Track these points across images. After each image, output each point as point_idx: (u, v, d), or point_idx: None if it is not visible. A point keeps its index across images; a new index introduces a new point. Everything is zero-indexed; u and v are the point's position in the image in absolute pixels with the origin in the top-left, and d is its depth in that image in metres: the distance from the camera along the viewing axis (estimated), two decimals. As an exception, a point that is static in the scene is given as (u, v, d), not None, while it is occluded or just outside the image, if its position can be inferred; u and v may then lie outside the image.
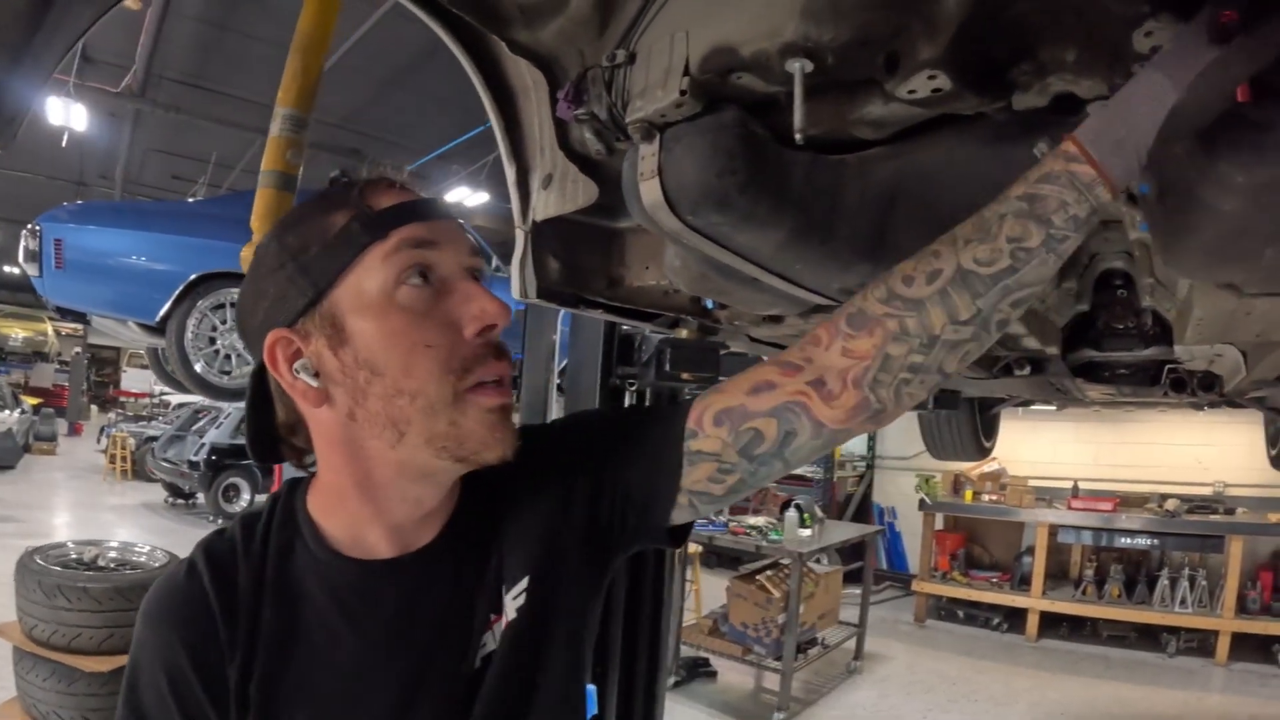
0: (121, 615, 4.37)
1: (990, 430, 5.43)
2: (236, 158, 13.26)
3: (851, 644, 7.85)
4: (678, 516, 1.06)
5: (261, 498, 6.91)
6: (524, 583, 1.03)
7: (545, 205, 1.72)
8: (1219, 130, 0.98)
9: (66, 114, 10.62)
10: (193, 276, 6.08)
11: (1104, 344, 2.81)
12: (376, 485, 0.97)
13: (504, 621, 1.01)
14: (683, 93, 1.13)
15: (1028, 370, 3.11)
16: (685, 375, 3.17)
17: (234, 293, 6.04)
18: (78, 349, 25.40)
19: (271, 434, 1.04)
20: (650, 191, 1.22)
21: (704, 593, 8.59)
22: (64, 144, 11.49)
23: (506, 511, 1.05)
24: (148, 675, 0.96)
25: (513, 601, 1.02)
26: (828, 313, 1.90)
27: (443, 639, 0.99)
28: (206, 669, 0.94)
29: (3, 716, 4.40)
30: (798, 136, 1.03)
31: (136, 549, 5.27)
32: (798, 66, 1.03)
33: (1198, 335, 2.12)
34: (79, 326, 11.63)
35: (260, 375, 1.01)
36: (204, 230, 6.33)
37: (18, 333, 24.61)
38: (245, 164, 13.42)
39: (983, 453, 5.28)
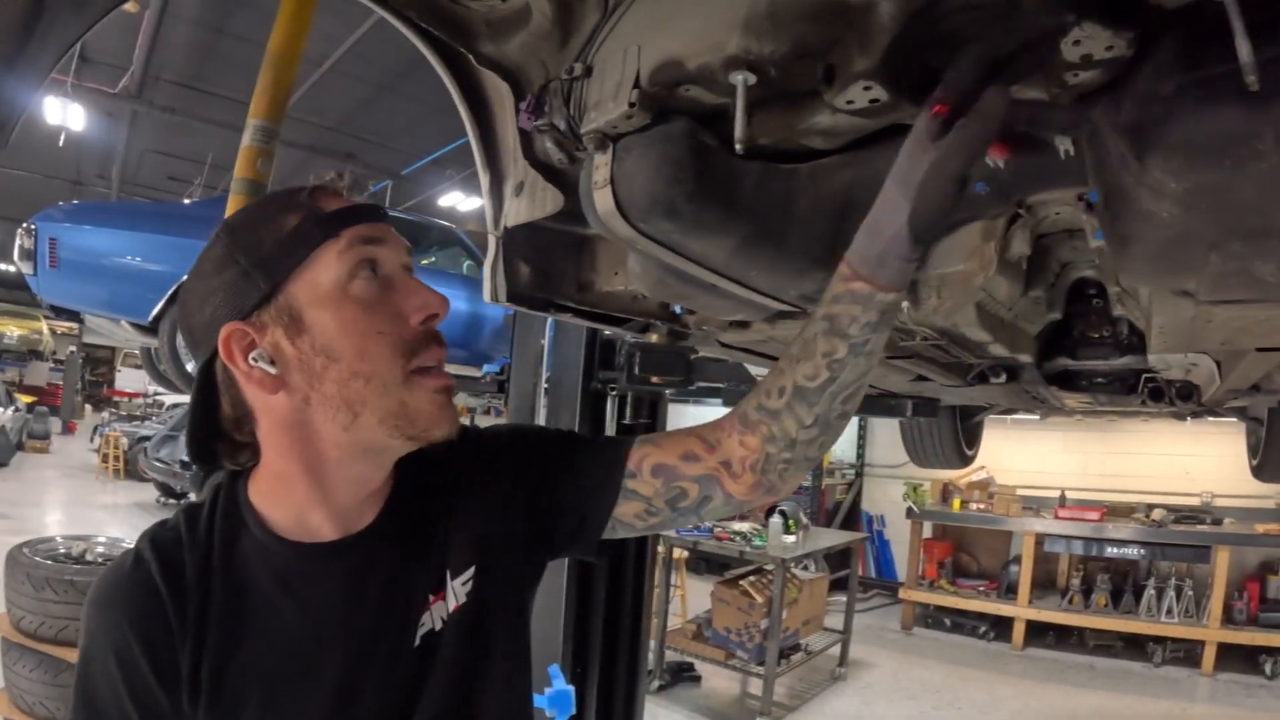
0: None
1: (972, 438, 5.47)
2: (232, 159, 13.20)
3: (836, 650, 7.89)
4: (604, 535, 1.21)
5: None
6: (470, 571, 1.12)
7: (516, 212, 1.77)
8: (1151, 136, 1.00)
9: (64, 114, 10.69)
10: (185, 277, 6.12)
11: (1079, 353, 2.84)
12: (324, 467, 1.04)
13: (445, 603, 1.10)
14: (631, 105, 1.17)
15: (1004, 378, 3.13)
16: (655, 379, 3.21)
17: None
18: (72, 348, 25.39)
19: (213, 431, 1.09)
20: (604, 200, 1.26)
21: (690, 598, 8.64)
22: (61, 143, 11.54)
23: (449, 500, 1.15)
24: (99, 663, 0.99)
25: (462, 587, 1.11)
26: (791, 319, 1.94)
27: (386, 617, 1.06)
28: (156, 654, 0.98)
29: (-9, 707, 4.46)
30: (738, 147, 1.08)
31: (123, 544, 5.33)
32: (740, 79, 1.08)
33: (1162, 343, 2.15)
34: (74, 325, 11.64)
35: (207, 371, 1.06)
36: (197, 232, 6.36)
37: (12, 330, 24.58)
38: (241, 165, 13.48)
39: (964, 460, 5.32)
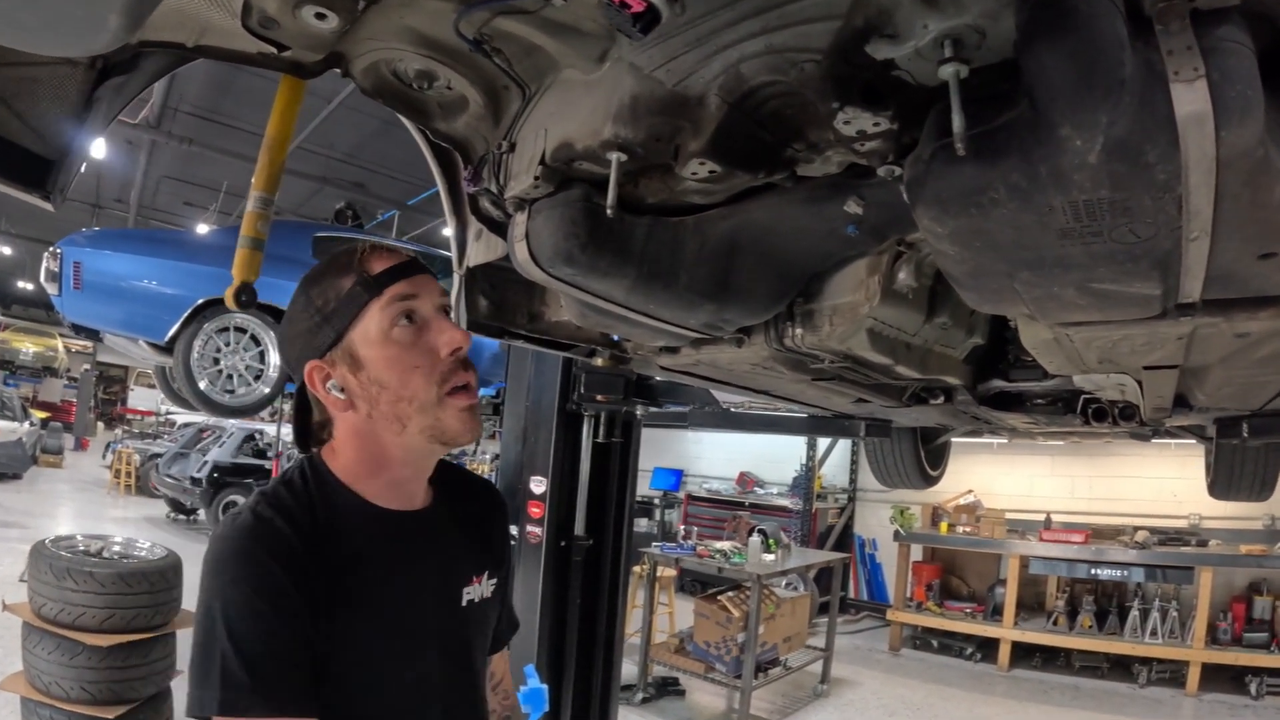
0: (121, 598, 4.86)
1: (936, 459, 5.70)
2: (246, 187, 13.64)
3: (818, 667, 8.10)
4: None
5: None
6: (493, 581, 1.53)
7: (476, 254, 2.12)
8: (914, 192, 1.26)
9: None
10: (200, 301, 6.42)
11: (1012, 375, 3.06)
12: (388, 458, 1.37)
13: (479, 587, 1.49)
14: (537, 178, 1.51)
15: (941, 400, 3.33)
16: (599, 398, 3.52)
17: (237, 317, 6.41)
18: (86, 366, 25.83)
19: (306, 429, 1.45)
20: (521, 251, 1.61)
21: (678, 617, 8.84)
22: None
23: (470, 522, 1.54)
24: (244, 606, 1.19)
25: (489, 582, 1.51)
26: (712, 344, 2.25)
27: (450, 568, 1.45)
28: (301, 582, 1.22)
29: (9, 687, 4.80)
30: (610, 211, 1.40)
31: (139, 544, 5.72)
32: (613, 157, 1.41)
33: (1050, 364, 2.38)
34: (89, 343, 11.98)
35: (301, 392, 1.42)
36: (211, 258, 6.69)
37: (28, 347, 25.02)
38: (255, 194, 13.86)
39: (928, 481, 5.55)
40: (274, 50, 1.44)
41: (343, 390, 1.34)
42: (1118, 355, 2.27)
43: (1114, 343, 2.03)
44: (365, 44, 1.47)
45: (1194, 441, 5.45)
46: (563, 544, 4.29)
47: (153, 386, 10.72)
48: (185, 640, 4.61)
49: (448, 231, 2.30)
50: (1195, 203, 1.10)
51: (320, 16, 1.32)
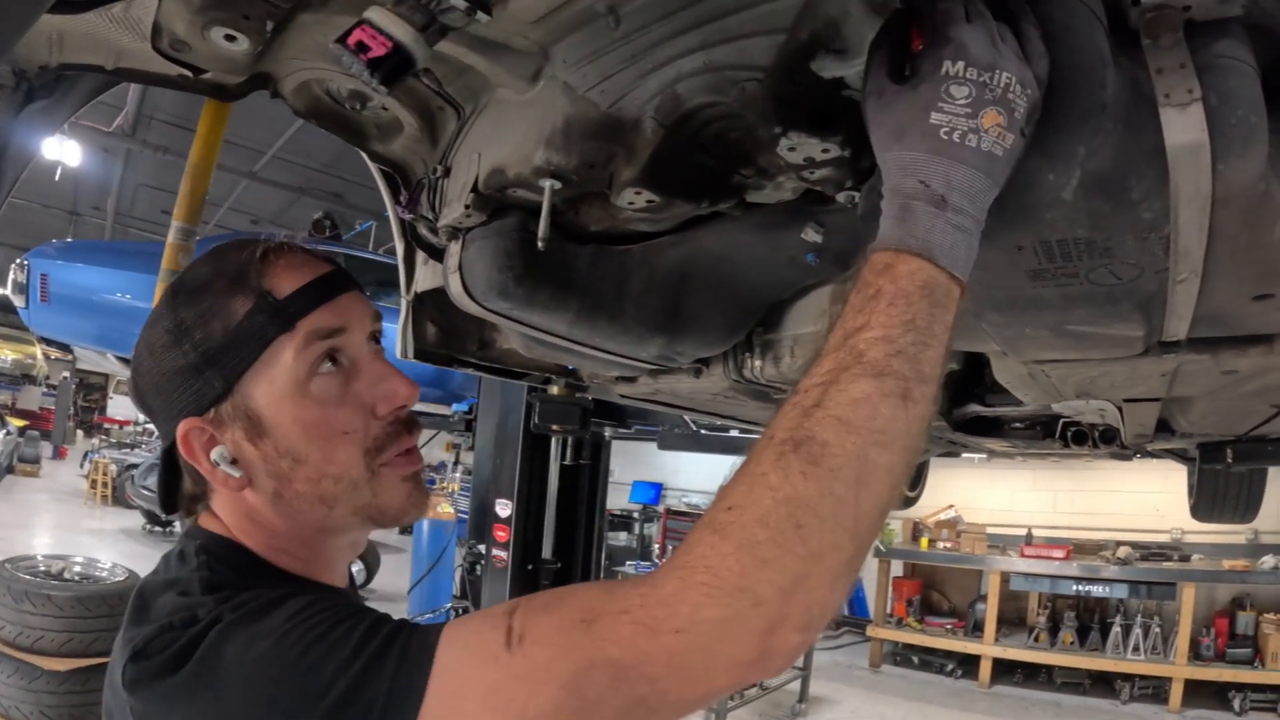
0: (81, 622, 4.77)
1: (914, 480, 5.63)
2: (223, 197, 13.52)
3: (797, 686, 7.99)
4: None
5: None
6: None
7: (425, 279, 1.99)
8: (872, 225, 1.16)
9: (60, 149, 10.92)
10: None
11: (989, 399, 2.99)
12: (307, 539, 1.01)
13: None
14: (468, 206, 1.39)
15: None
16: (555, 427, 3.41)
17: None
18: (65, 374, 25.58)
19: (177, 496, 1.06)
20: (454, 283, 1.49)
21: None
22: (57, 177, 11.78)
23: None
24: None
25: None
26: (669, 373, 2.14)
27: None
28: None
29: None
30: (541, 244, 1.28)
31: (99, 565, 5.66)
32: (546, 185, 1.29)
33: (1023, 396, 2.31)
34: (67, 353, 11.79)
35: (169, 453, 1.01)
36: (182, 271, 6.60)
37: (6, 355, 24.86)
38: (231, 203, 13.74)
39: (906, 502, 5.48)
40: (190, 74, 1.32)
41: (235, 462, 0.96)
42: (1097, 389, 2.20)
43: (1093, 379, 1.94)
44: (291, 64, 1.36)
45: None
46: (529, 567, 4.17)
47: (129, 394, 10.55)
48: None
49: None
50: (1185, 243, 0.97)
51: (230, 39, 1.19)
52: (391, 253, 11.36)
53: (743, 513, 0.74)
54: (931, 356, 0.79)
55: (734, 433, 4.63)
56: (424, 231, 1.69)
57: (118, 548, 12.28)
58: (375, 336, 1.03)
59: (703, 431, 4.59)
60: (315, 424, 0.95)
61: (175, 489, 1.05)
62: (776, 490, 0.74)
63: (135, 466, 15.59)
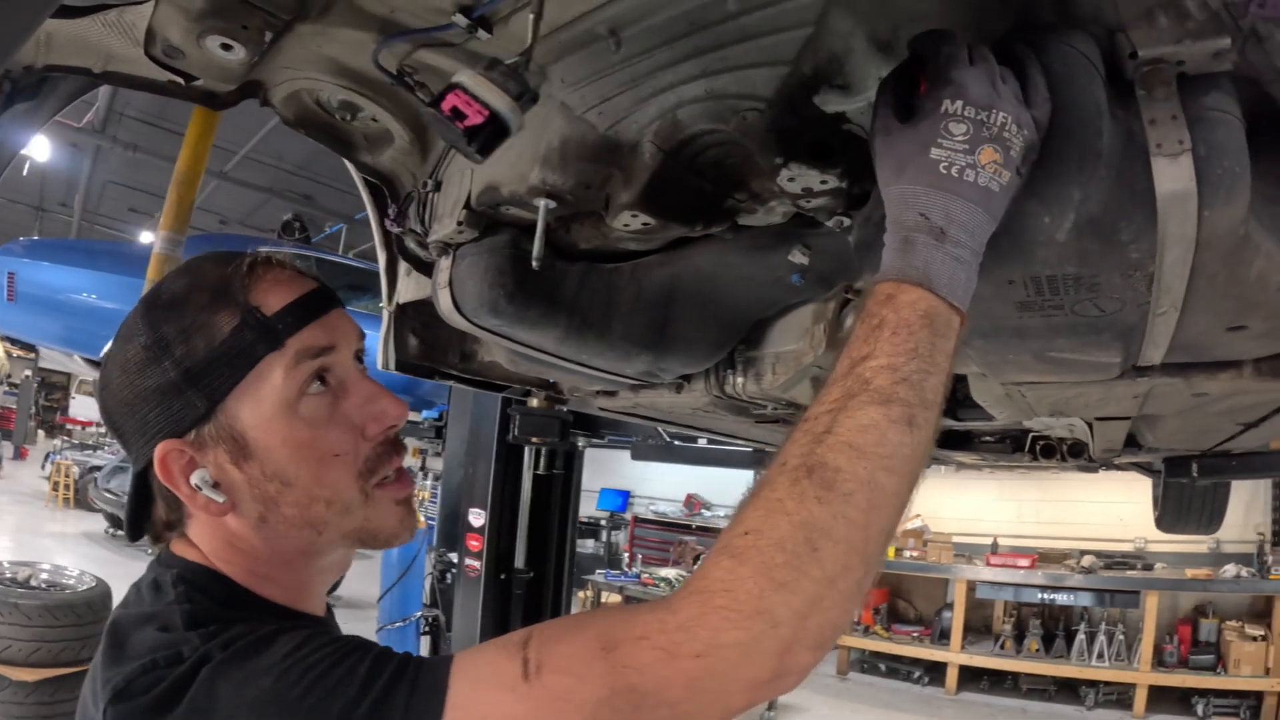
0: (49, 631, 4.69)
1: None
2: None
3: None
4: None
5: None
6: None
7: (408, 290, 1.99)
8: (863, 256, 1.14)
9: (29, 144, 10.74)
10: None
11: (960, 414, 3.03)
12: (291, 566, 0.98)
13: None
14: (460, 223, 1.40)
15: None
16: (534, 440, 3.42)
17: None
18: (28, 372, 25.10)
19: (145, 523, 1.01)
20: (444, 299, 1.49)
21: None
22: (25, 172, 11.61)
23: None
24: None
25: None
26: (650, 388, 2.15)
27: None
28: None
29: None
30: (535, 263, 1.29)
31: (67, 572, 5.54)
32: (541, 204, 1.30)
33: (998, 414, 2.34)
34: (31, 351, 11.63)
35: (142, 475, 0.97)
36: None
37: (-35, 352, 24.36)
38: (200, 201, 13.57)
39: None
40: (182, 80, 1.31)
41: (217, 486, 0.92)
42: (1071, 408, 2.24)
43: (1068, 399, 1.98)
44: (283, 73, 1.35)
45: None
46: (502, 577, 4.16)
47: (93, 395, 10.34)
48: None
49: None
50: (1168, 280, 1.01)
51: (226, 48, 1.18)
52: (362, 257, 11.28)
53: (760, 537, 0.76)
54: (934, 383, 0.81)
55: (703, 442, 4.66)
56: (412, 245, 1.69)
57: (80, 552, 12.08)
58: (359, 355, 1.01)
59: (676, 443, 4.60)
60: (306, 445, 0.92)
61: (145, 514, 1.00)
62: (792, 515, 0.76)
63: (98, 469, 15.34)
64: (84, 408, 27.95)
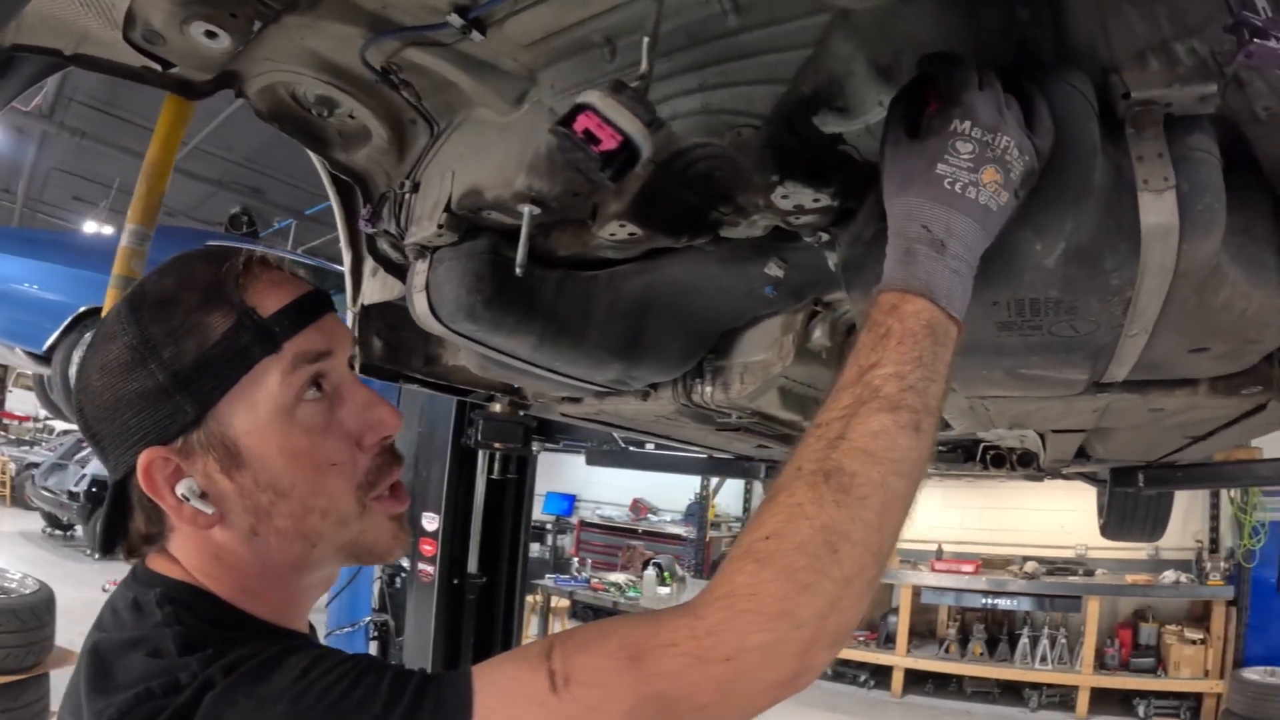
0: None
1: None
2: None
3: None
4: None
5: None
6: None
7: (373, 292, 1.97)
8: (851, 274, 1.17)
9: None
10: (82, 309, 6.05)
11: None
12: (281, 581, 0.95)
13: None
14: (440, 226, 1.38)
15: None
16: (497, 445, 3.40)
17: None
18: (-38, 365, 24.38)
19: (120, 536, 0.97)
20: (420, 303, 1.48)
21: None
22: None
23: None
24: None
25: None
26: (615, 394, 2.14)
27: None
28: None
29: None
30: (518, 270, 1.28)
31: (8, 575, 5.35)
32: (526, 210, 1.29)
33: (958, 425, 2.37)
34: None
35: (120, 485, 0.92)
36: (95, 264, 6.32)
37: (-104, 345, 23.54)
38: (148, 192, 13.29)
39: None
40: (158, 67, 1.26)
41: (205, 496, 0.87)
42: (1030, 421, 2.30)
43: (1028, 412, 2.02)
44: (262, 64, 1.32)
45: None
46: (455, 582, 4.13)
47: (32, 389, 10.02)
48: (59, 682, 4.30)
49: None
50: (1143, 304, 1.05)
51: (211, 35, 1.14)
52: (312, 254, 11.08)
53: (782, 541, 0.78)
54: (936, 391, 0.85)
55: (650, 447, 4.66)
56: (385, 246, 1.67)
57: (16, 553, 11.77)
58: (352, 361, 1.02)
59: (630, 449, 4.60)
60: (303, 454, 0.89)
61: (119, 527, 0.95)
62: (813, 519, 0.78)
63: (36, 465, 14.91)
64: (22, 402, 27.13)
